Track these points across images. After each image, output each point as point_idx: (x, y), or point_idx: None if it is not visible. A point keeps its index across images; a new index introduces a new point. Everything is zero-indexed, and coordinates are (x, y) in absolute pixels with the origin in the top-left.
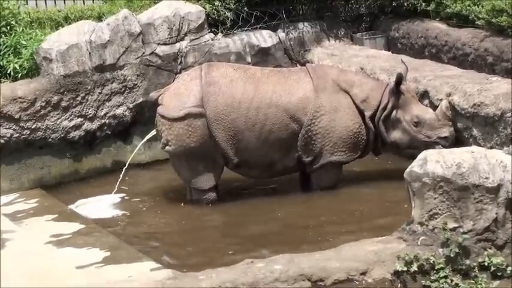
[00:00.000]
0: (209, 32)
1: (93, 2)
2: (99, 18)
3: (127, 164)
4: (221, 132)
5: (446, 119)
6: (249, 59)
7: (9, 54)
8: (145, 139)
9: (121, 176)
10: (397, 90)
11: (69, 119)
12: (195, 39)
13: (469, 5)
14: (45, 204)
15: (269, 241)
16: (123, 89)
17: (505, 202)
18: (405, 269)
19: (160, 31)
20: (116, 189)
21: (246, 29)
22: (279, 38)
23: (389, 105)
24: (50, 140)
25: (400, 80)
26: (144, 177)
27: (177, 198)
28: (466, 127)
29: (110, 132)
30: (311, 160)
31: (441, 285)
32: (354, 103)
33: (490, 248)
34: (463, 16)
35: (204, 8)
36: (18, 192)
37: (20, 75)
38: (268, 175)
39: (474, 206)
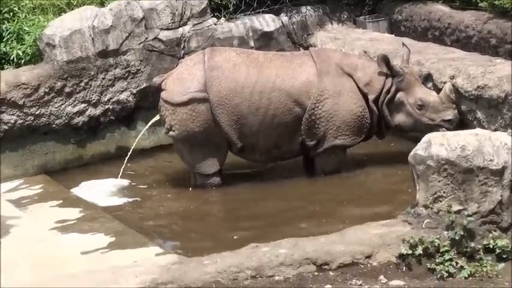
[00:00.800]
0: (212, 17)
1: None
2: (102, 3)
3: (131, 149)
4: (225, 116)
5: (450, 101)
6: (252, 44)
7: (12, 41)
8: (148, 124)
9: (125, 161)
10: (391, 71)
11: (72, 105)
12: (198, 23)
13: None
14: (49, 190)
15: (274, 225)
16: (127, 74)
17: (510, 184)
18: (410, 252)
19: (163, 16)
20: (120, 174)
21: (248, 13)
22: (282, 22)
23: (393, 89)
24: (53, 126)
25: (385, 60)
26: (148, 162)
27: (181, 183)
28: (469, 110)
29: (113, 118)
30: (315, 144)
31: (446, 268)
32: (358, 86)
33: (495, 231)
34: None
35: None
36: (22, 178)
37: (23, 61)
38: (272, 159)
39: (479, 189)
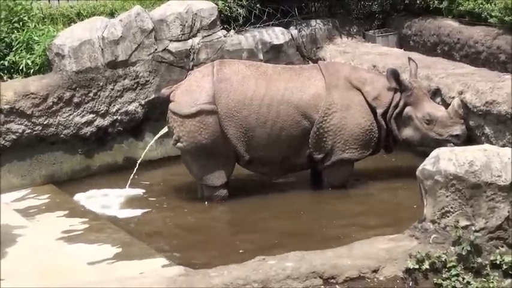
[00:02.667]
0: (221, 29)
1: None
2: (112, 14)
3: (140, 160)
4: (233, 129)
5: (458, 117)
6: (261, 56)
7: (21, 50)
8: (157, 136)
9: (134, 171)
10: (400, 86)
11: (81, 115)
12: (208, 35)
13: (481, 3)
14: (56, 200)
15: (280, 238)
16: (135, 85)
17: None
18: (417, 266)
19: (173, 27)
20: (128, 184)
21: (258, 25)
22: (291, 35)
23: (401, 103)
24: (61, 136)
25: (395, 75)
26: (155, 173)
27: (189, 195)
28: (478, 125)
29: (121, 129)
30: (322, 157)
31: (453, 283)
32: (366, 100)
33: (502, 247)
34: (476, 14)
35: (216, 4)
36: (29, 187)
37: (32, 71)
38: (279, 172)
39: (486, 204)
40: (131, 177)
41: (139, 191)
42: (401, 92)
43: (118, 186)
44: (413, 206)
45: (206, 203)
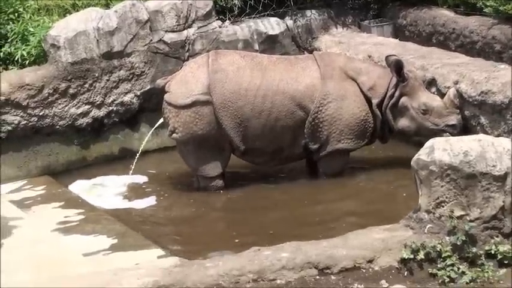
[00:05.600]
0: (217, 19)
1: None
2: (107, 5)
3: (140, 150)
4: (228, 119)
5: (453, 106)
6: (256, 47)
7: (17, 41)
8: (153, 128)
9: (135, 161)
10: (400, 77)
11: (76, 106)
12: (203, 26)
13: None
14: (52, 191)
15: (276, 229)
16: (131, 76)
17: None
18: (412, 256)
19: (168, 18)
20: (131, 172)
21: (253, 16)
22: (287, 25)
23: (397, 93)
24: (57, 127)
25: (399, 65)
26: (151, 164)
27: (184, 186)
28: (473, 115)
29: (117, 120)
30: (318, 147)
31: (448, 273)
32: (361, 91)
33: (497, 236)
34: (471, 4)
35: None
36: (25, 179)
37: (27, 62)
38: (275, 162)
39: (481, 194)
40: (133, 166)
41: (136, 182)
42: (400, 83)
43: (114, 177)
44: (408, 196)
45: (194, 191)
